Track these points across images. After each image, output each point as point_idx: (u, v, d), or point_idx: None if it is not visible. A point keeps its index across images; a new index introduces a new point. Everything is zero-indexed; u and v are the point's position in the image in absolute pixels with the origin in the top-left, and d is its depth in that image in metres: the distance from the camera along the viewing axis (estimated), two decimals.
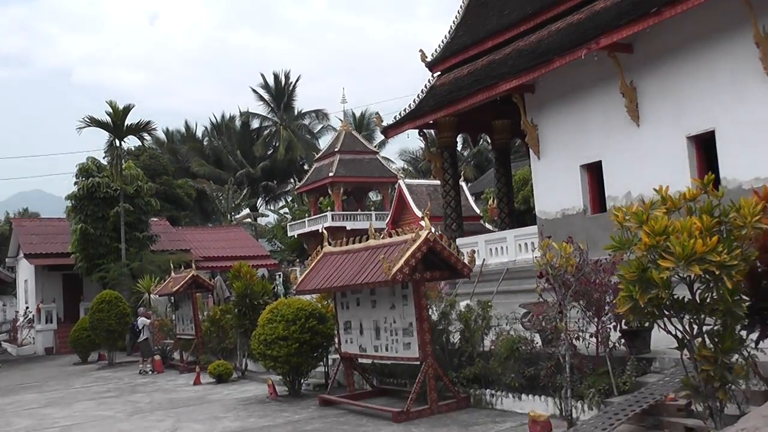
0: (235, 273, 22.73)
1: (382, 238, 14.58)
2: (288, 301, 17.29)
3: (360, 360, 15.94)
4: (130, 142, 40.96)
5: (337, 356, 17.90)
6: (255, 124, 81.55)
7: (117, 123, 35.83)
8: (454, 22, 27.85)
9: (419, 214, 44.37)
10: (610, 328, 12.05)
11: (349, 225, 52.72)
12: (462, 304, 15.76)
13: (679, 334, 8.29)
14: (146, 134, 37.91)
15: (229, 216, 67.79)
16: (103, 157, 40.16)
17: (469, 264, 13.82)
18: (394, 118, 26.08)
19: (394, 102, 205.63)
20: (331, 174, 53.47)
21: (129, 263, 36.03)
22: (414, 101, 26.22)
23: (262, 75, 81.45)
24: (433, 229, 13.39)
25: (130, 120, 36.47)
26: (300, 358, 16.54)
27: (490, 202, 43.23)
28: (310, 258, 17.48)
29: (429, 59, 27.18)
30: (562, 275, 11.66)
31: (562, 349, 11.58)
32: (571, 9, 21.52)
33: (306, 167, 74.58)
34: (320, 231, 53.55)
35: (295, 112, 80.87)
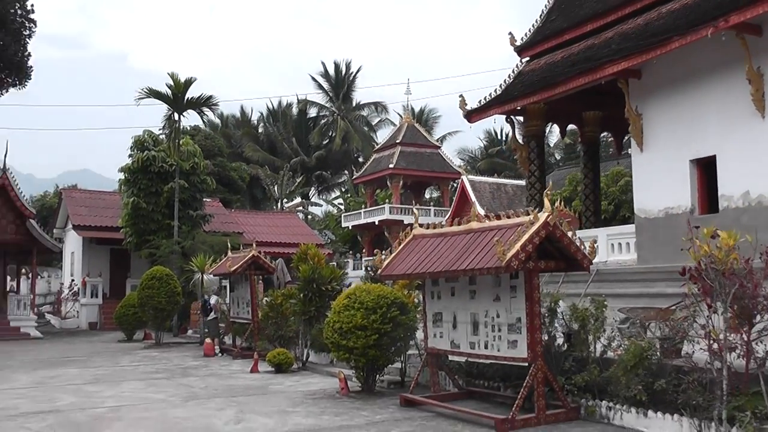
0: (302, 255, 21.17)
1: (490, 220, 12.78)
2: (368, 287, 15.48)
3: (451, 357, 14.07)
4: (186, 121, 39.42)
5: (415, 352, 16.23)
6: (312, 112, 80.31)
7: (177, 96, 34.31)
8: (546, 6, 25.96)
9: (481, 211, 42.57)
10: (764, 342, 10.15)
11: (407, 219, 50.86)
12: (561, 304, 13.96)
13: None
14: (207, 110, 36.27)
15: (280, 203, 66.39)
16: (160, 132, 38.94)
17: (590, 255, 11.97)
18: (479, 102, 24.20)
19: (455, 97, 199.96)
20: (391, 165, 51.75)
21: (181, 241, 34.60)
22: (500, 86, 24.33)
23: (323, 63, 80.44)
24: (554, 212, 11.57)
25: (190, 94, 34.98)
26: (378, 351, 14.78)
27: (557, 204, 41.23)
28: (392, 245, 15.59)
29: (518, 43, 25.30)
30: (719, 275, 9.78)
31: (716, 362, 9.70)
32: None
33: (361, 159, 73.15)
34: (376, 223, 52.01)
35: (354, 103, 79.27)
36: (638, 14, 20.85)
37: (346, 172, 76.42)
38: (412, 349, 16.17)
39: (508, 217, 12.37)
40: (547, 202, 11.60)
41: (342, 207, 67.19)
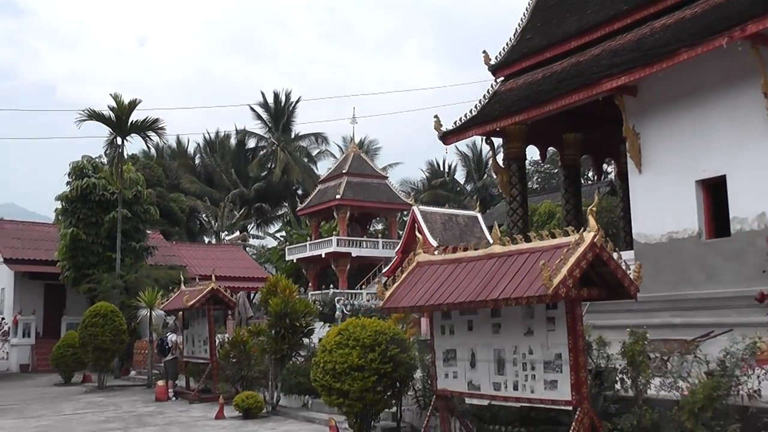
0: (271, 288, 19.22)
1: (515, 243, 11.10)
2: (363, 322, 13.66)
3: (468, 401, 12.22)
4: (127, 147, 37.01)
5: (410, 393, 14.43)
6: (251, 143, 78.19)
7: (121, 118, 32.01)
8: (519, 25, 24.72)
9: (434, 242, 41.05)
10: None
11: (355, 251, 49.31)
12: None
13: None
14: (153, 134, 33.87)
15: (220, 236, 64.04)
16: (98, 158, 36.70)
17: (636, 281, 10.39)
18: (455, 124, 22.71)
19: (388, 132, 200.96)
20: (338, 196, 50.03)
21: (123, 275, 32.14)
22: (476, 107, 22.94)
23: (262, 93, 78.49)
24: (601, 232, 9.96)
25: (134, 118, 32.68)
26: (376, 395, 12.98)
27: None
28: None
29: (492, 62, 23.99)
30: None
31: None
32: (681, 4, 18.47)
33: (300, 192, 71.20)
34: (322, 256, 50.16)
35: (293, 134, 77.38)
36: (628, 30, 19.75)
37: (286, 204, 74.34)
38: (408, 390, 14.37)
39: (541, 238, 10.73)
40: (592, 221, 9.98)
41: (283, 240, 65.04)
